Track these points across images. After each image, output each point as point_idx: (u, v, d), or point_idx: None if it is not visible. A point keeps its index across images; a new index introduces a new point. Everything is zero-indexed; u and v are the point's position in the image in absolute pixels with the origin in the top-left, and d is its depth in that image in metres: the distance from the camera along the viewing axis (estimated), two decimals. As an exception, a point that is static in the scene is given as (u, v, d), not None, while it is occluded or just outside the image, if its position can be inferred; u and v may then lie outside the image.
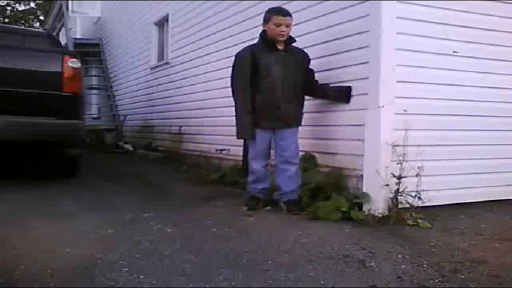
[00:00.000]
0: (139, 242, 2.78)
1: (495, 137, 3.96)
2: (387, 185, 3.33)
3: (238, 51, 3.84)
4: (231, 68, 3.78)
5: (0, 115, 4.29)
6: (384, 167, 3.34)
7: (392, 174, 3.34)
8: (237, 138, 3.74)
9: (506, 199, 3.99)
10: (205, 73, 6.49)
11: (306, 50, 3.97)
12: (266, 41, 3.62)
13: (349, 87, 3.71)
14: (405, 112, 3.51)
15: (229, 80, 3.80)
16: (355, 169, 3.65)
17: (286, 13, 3.59)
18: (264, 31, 3.63)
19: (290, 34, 3.63)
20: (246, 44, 5.36)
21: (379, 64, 3.43)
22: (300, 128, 3.81)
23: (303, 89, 3.74)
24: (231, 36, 5.79)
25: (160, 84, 8.34)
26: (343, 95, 3.75)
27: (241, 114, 3.62)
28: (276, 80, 3.55)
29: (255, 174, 3.73)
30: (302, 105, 3.78)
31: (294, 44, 3.71)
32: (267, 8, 3.76)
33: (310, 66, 3.83)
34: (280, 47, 3.62)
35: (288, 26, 3.56)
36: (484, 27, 3.85)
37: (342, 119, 3.87)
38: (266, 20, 3.59)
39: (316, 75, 3.91)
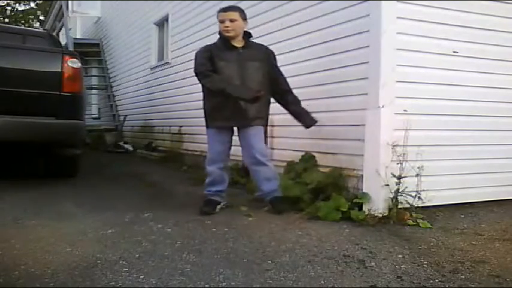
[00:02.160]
0: (139, 242, 2.78)
1: (495, 137, 3.96)
2: (387, 185, 3.33)
3: None
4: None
5: (0, 115, 4.29)
6: (384, 167, 3.34)
7: (392, 174, 3.34)
8: (251, 101, 3.45)
9: (506, 199, 3.99)
10: (205, 73, 6.48)
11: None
12: (221, 39, 3.56)
13: (316, 121, 3.72)
14: (405, 112, 3.51)
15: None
16: (355, 169, 3.65)
17: (227, 8, 3.54)
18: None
19: (248, 30, 3.58)
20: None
21: (379, 64, 3.43)
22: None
23: (269, 88, 3.60)
24: (231, 36, 5.78)
25: (160, 84, 8.34)
26: (307, 120, 3.69)
27: (228, 90, 3.41)
28: (232, 78, 3.44)
29: (211, 177, 3.64)
30: (267, 104, 3.63)
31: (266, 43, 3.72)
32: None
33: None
34: (239, 45, 3.52)
35: (232, 20, 3.46)
36: (484, 27, 3.85)
37: (342, 119, 3.87)
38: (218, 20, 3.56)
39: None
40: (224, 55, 3.48)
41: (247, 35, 3.56)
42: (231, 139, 3.62)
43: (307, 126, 3.72)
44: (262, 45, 3.72)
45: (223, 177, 3.66)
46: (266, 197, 3.66)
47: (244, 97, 3.42)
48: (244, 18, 3.55)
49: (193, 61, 3.69)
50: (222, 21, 3.48)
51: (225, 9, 3.53)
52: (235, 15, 3.49)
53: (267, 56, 3.63)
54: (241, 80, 3.45)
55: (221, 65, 3.45)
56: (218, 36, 3.60)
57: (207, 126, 3.63)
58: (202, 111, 3.69)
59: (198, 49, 3.71)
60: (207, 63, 3.47)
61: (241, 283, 2.15)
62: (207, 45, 3.67)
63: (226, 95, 3.41)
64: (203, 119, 3.66)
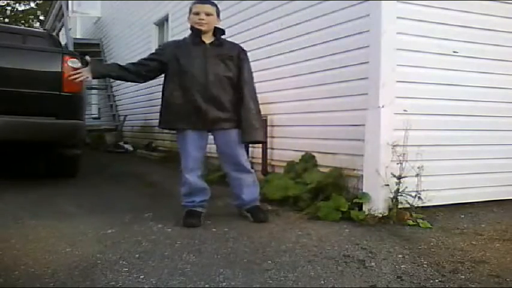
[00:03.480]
0: (139, 242, 2.78)
1: (495, 137, 3.96)
2: (387, 185, 3.33)
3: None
4: None
5: (0, 115, 4.29)
6: (384, 167, 3.34)
7: (392, 174, 3.34)
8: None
9: (506, 199, 3.99)
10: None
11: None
12: (192, 33, 3.33)
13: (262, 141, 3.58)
14: (405, 112, 3.51)
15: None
16: (355, 169, 3.66)
17: (204, 1, 3.30)
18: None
19: (220, 26, 3.34)
20: (246, 45, 5.39)
21: (379, 64, 3.43)
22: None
23: (234, 89, 3.30)
24: (231, 36, 5.78)
25: (160, 84, 8.31)
26: (256, 133, 3.30)
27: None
28: (197, 76, 3.20)
29: (190, 186, 3.29)
30: (234, 106, 3.28)
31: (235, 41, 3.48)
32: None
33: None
34: (207, 41, 3.27)
35: (207, 14, 3.23)
36: (484, 27, 3.85)
37: (342, 119, 3.87)
38: (189, 12, 3.34)
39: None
40: (190, 51, 3.26)
41: (219, 32, 3.31)
42: (205, 144, 3.38)
43: (246, 141, 3.36)
44: (235, 44, 3.45)
45: (204, 186, 3.37)
46: (244, 206, 3.40)
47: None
48: (218, 15, 3.34)
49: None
50: (196, 13, 3.25)
51: (202, 1, 3.30)
52: (211, 9, 3.27)
53: (237, 56, 3.32)
54: (203, 77, 3.19)
55: (184, 62, 3.24)
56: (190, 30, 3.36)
57: (168, 127, 3.55)
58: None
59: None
60: (150, 63, 3.52)
61: (241, 283, 2.15)
62: (176, 40, 3.57)
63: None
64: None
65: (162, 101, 3.51)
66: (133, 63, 3.55)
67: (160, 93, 3.56)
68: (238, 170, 3.35)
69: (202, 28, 3.25)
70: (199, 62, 3.22)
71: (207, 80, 3.20)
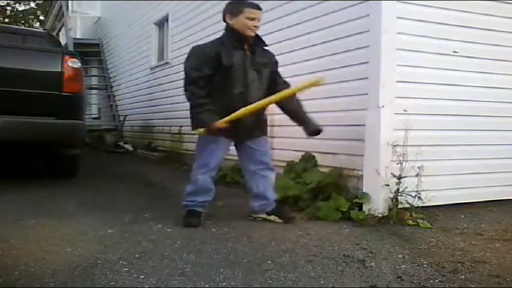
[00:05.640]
0: (139, 242, 2.78)
1: (495, 137, 3.96)
2: (387, 185, 3.33)
3: None
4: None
5: (0, 115, 4.29)
6: (384, 167, 3.34)
7: (392, 174, 3.34)
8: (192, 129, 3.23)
9: (506, 199, 3.99)
10: (205, 73, 6.49)
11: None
12: (234, 36, 3.10)
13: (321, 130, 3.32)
14: (405, 112, 3.51)
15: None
16: (355, 169, 3.66)
17: (259, 7, 3.13)
18: (227, 25, 3.14)
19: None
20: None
21: (379, 64, 3.44)
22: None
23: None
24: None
25: (160, 84, 8.34)
26: (312, 129, 3.24)
27: (197, 112, 3.13)
28: (247, 84, 3.10)
29: (197, 185, 3.22)
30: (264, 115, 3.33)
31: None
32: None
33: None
34: (246, 46, 3.13)
35: (259, 21, 3.11)
36: (484, 27, 3.85)
37: (342, 119, 3.87)
38: (234, 13, 3.07)
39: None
40: (232, 55, 3.08)
41: (258, 38, 3.18)
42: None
43: (310, 133, 3.27)
44: (267, 50, 3.31)
45: (211, 187, 3.28)
46: (268, 207, 3.33)
47: (205, 130, 3.09)
48: None
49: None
50: (252, 19, 3.05)
51: (259, 8, 3.11)
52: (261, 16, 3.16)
53: (270, 61, 3.26)
54: (244, 84, 3.10)
55: (226, 67, 3.06)
56: (225, 32, 3.17)
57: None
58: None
59: (200, 44, 3.31)
60: (205, 68, 3.08)
61: (241, 283, 2.15)
62: (211, 42, 3.22)
63: (194, 116, 3.17)
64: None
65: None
66: (204, 94, 3.14)
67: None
68: (267, 169, 3.31)
69: (253, 34, 3.11)
70: (240, 68, 3.09)
71: (247, 88, 3.11)
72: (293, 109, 3.28)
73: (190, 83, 3.13)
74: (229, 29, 3.13)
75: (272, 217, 3.32)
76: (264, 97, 3.15)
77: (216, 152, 3.22)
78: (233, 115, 3.03)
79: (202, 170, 3.23)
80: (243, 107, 3.05)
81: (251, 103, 3.08)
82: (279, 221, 3.29)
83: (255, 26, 3.09)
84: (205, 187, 3.25)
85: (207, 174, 3.23)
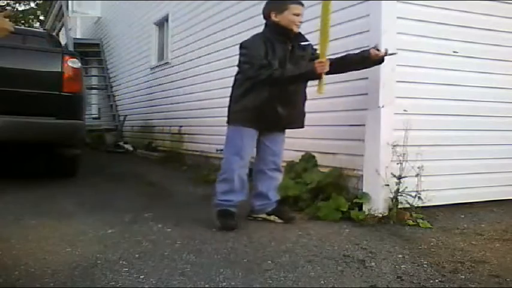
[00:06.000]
0: (139, 242, 2.78)
1: (495, 137, 3.96)
2: (387, 185, 3.33)
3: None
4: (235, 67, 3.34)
5: (0, 115, 4.29)
6: (384, 167, 3.34)
7: (392, 174, 3.34)
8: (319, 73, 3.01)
9: (506, 199, 3.99)
10: (205, 73, 6.50)
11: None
12: (280, 31, 3.12)
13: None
14: (405, 112, 3.51)
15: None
16: (355, 169, 3.65)
17: (302, 3, 3.17)
18: (272, 22, 3.14)
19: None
20: (246, 44, 5.41)
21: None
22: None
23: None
24: (231, 36, 5.79)
25: (160, 84, 8.34)
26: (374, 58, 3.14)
27: (294, 78, 3.06)
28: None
29: (232, 184, 3.14)
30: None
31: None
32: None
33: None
34: (288, 42, 3.16)
35: (302, 17, 3.16)
36: (484, 27, 3.85)
37: (342, 119, 3.87)
38: (280, 9, 3.10)
39: None
40: (280, 50, 3.10)
41: (299, 34, 3.20)
42: None
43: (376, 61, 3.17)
44: (307, 44, 3.28)
45: (245, 185, 3.21)
46: (269, 207, 3.33)
47: (314, 75, 3.01)
48: None
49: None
50: (297, 15, 3.10)
51: (302, 3, 3.15)
52: None
53: (309, 54, 3.24)
54: None
55: (271, 63, 3.05)
56: (267, 27, 3.18)
57: (240, 124, 3.14)
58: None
59: (247, 39, 3.23)
60: (262, 55, 3.05)
61: (241, 283, 2.15)
62: (257, 36, 3.19)
63: (294, 80, 3.08)
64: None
65: (235, 96, 3.23)
66: (273, 68, 3.10)
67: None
68: (276, 170, 3.30)
69: (298, 30, 3.14)
70: (281, 62, 3.09)
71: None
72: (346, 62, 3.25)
73: (260, 68, 3.03)
74: (273, 26, 3.15)
75: (272, 217, 3.32)
76: (301, 89, 3.22)
77: (246, 146, 3.16)
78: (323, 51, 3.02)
79: (236, 167, 3.14)
80: (279, 100, 3.10)
81: (290, 97, 3.14)
82: (279, 221, 3.29)
83: (300, 22, 3.13)
84: (239, 185, 3.16)
85: (243, 170, 3.17)
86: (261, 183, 3.30)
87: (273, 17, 3.14)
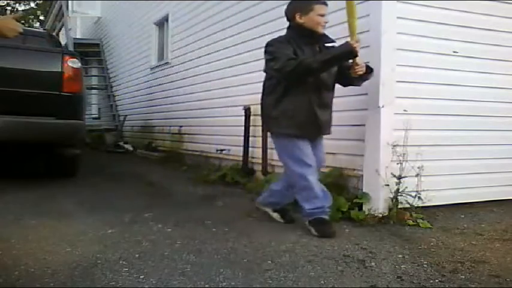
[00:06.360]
0: (139, 242, 2.78)
1: (495, 137, 3.96)
2: (387, 185, 3.33)
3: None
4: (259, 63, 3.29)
5: (1, 115, 4.29)
6: (384, 167, 3.34)
7: (392, 174, 3.34)
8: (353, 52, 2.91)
9: (506, 199, 3.99)
10: (205, 73, 6.50)
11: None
12: (304, 33, 3.02)
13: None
14: (405, 112, 3.51)
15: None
16: (355, 169, 3.66)
17: (326, 3, 3.09)
18: (296, 23, 3.05)
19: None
20: (246, 44, 5.41)
21: (379, 64, 3.43)
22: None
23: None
24: (231, 36, 5.80)
25: (160, 84, 8.34)
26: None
27: (329, 60, 2.93)
28: (318, 81, 3.00)
29: (312, 191, 3.01)
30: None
31: None
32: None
33: None
34: (314, 43, 3.08)
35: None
36: (484, 27, 3.85)
37: (342, 119, 3.87)
38: (305, 11, 3.01)
39: None
40: (303, 53, 2.99)
41: (324, 35, 3.12)
42: None
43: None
44: (333, 46, 3.17)
45: (324, 189, 3.11)
46: (279, 203, 3.29)
47: (352, 53, 2.90)
48: None
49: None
50: (323, 15, 3.02)
51: (326, 3, 3.07)
52: None
53: None
54: (318, 81, 3.00)
55: None
56: (290, 29, 3.11)
57: (286, 131, 3.01)
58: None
59: (272, 39, 3.12)
60: (288, 51, 2.94)
61: (241, 283, 2.15)
62: (283, 37, 3.10)
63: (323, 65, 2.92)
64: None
65: (268, 101, 3.10)
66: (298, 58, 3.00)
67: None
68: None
69: (323, 31, 3.06)
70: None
71: (321, 85, 3.03)
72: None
73: (289, 60, 2.89)
74: (297, 28, 3.05)
75: (275, 215, 3.30)
76: (333, 93, 3.14)
77: (307, 153, 3.03)
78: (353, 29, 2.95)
79: (306, 172, 3.00)
80: (317, 104, 3.00)
81: (324, 99, 3.05)
82: (280, 220, 3.29)
83: (326, 22, 3.06)
84: (321, 191, 3.06)
85: (315, 176, 3.05)
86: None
87: (298, 19, 3.04)
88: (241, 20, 5.55)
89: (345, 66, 3.11)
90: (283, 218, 3.31)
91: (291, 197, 3.25)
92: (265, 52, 3.05)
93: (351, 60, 3.03)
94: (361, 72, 3.03)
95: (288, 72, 2.88)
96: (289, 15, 3.11)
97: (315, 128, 3.07)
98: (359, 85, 3.25)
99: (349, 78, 3.14)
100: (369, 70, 3.10)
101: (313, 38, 3.05)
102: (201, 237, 2.88)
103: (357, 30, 3.05)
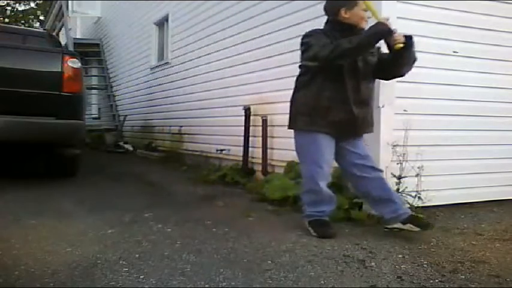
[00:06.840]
0: (139, 242, 2.78)
1: (495, 137, 3.96)
2: (387, 185, 3.32)
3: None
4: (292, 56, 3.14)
5: (0, 115, 4.29)
6: (384, 167, 3.33)
7: (392, 174, 3.34)
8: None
9: (506, 199, 3.99)
10: (205, 73, 6.50)
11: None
12: (346, 28, 2.92)
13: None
14: (405, 112, 3.52)
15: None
16: (355, 169, 3.65)
17: None
18: (339, 19, 2.95)
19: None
20: (246, 44, 5.42)
21: (379, 64, 3.42)
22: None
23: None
24: (231, 36, 5.80)
25: (160, 84, 8.34)
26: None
27: (358, 46, 2.81)
28: (357, 77, 2.90)
29: (320, 195, 2.98)
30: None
31: None
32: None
33: None
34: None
35: None
36: (484, 27, 3.85)
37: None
38: (350, 5, 2.92)
39: None
40: None
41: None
42: None
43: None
44: None
45: (332, 194, 3.06)
46: (401, 211, 2.95)
47: (385, 31, 2.79)
48: None
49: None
50: (366, 10, 2.95)
51: None
52: None
53: (377, 50, 3.06)
54: (355, 78, 2.90)
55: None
56: (329, 23, 3.03)
57: (310, 129, 2.92)
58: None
59: (309, 31, 3.02)
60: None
61: (241, 283, 2.15)
62: (320, 30, 3.01)
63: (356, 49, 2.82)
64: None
65: (299, 97, 3.01)
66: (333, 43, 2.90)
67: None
68: (374, 169, 3.01)
69: (365, 26, 2.95)
70: (359, 62, 2.92)
71: (359, 81, 2.92)
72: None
73: (324, 46, 2.82)
74: (339, 23, 2.96)
75: (408, 226, 2.90)
76: (373, 87, 3.05)
77: (325, 154, 2.95)
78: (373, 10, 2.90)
79: (317, 177, 2.95)
80: (354, 99, 2.88)
81: (362, 97, 2.93)
82: (416, 229, 2.88)
83: (369, 17, 2.97)
84: (328, 195, 3.02)
85: (325, 181, 2.99)
86: (371, 187, 3.00)
87: (343, 14, 2.94)
88: (241, 20, 5.55)
89: (384, 57, 3.00)
90: (417, 225, 2.88)
91: (388, 191, 3.00)
92: (302, 44, 2.96)
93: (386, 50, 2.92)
94: (400, 42, 2.82)
95: (325, 56, 2.79)
96: (333, 10, 3.01)
97: (351, 126, 2.94)
98: (403, 74, 3.08)
99: (392, 68, 3.01)
100: (408, 38, 2.87)
101: (352, 33, 2.90)
102: (201, 237, 2.88)
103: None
